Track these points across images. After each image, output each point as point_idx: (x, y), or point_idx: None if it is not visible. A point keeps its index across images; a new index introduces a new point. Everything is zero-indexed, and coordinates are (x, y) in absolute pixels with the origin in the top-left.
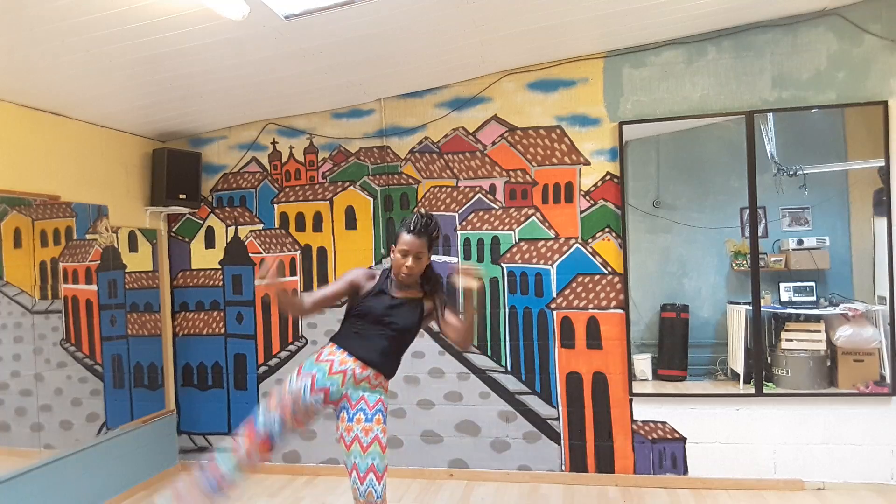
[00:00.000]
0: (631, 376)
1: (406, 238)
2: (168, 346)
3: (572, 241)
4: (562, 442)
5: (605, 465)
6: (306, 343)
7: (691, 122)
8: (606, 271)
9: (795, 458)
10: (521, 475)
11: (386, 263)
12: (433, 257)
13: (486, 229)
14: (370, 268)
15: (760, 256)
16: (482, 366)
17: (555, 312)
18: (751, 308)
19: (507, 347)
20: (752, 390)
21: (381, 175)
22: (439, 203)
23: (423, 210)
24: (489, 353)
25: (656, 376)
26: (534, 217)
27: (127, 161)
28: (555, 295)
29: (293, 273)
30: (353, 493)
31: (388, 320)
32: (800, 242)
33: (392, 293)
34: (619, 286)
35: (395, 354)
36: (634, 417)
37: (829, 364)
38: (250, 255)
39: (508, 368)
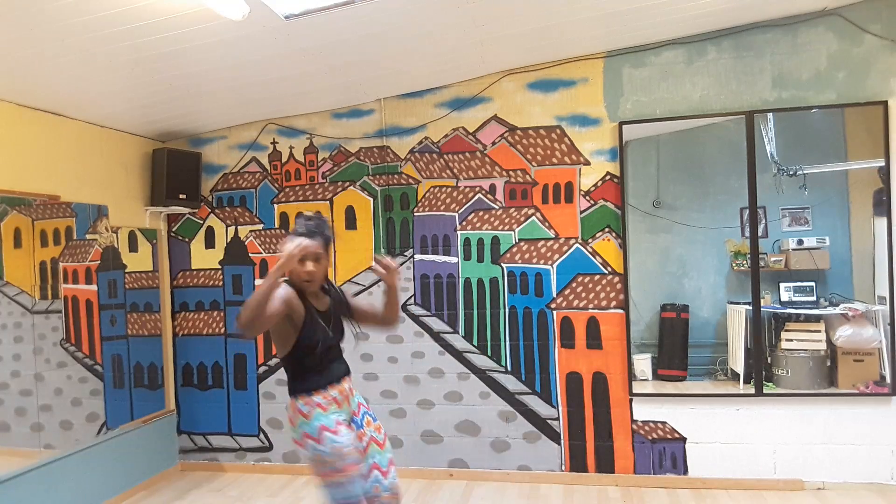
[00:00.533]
0: (631, 376)
1: (300, 241)
2: (168, 346)
3: (572, 241)
4: (562, 442)
5: (605, 465)
6: None
7: (691, 122)
8: (606, 271)
9: (795, 458)
10: (521, 475)
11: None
12: (432, 258)
13: (486, 229)
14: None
15: (760, 256)
16: (482, 366)
17: (555, 312)
18: (751, 308)
19: (507, 347)
20: (752, 390)
21: (381, 175)
22: (439, 203)
23: (308, 212)
24: (489, 353)
25: (656, 376)
26: (534, 217)
27: (127, 161)
28: (555, 295)
29: None
30: (373, 491)
31: (334, 342)
32: (800, 242)
33: (318, 309)
34: (619, 286)
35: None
36: (634, 417)
37: (829, 364)
38: (250, 255)
39: (508, 368)
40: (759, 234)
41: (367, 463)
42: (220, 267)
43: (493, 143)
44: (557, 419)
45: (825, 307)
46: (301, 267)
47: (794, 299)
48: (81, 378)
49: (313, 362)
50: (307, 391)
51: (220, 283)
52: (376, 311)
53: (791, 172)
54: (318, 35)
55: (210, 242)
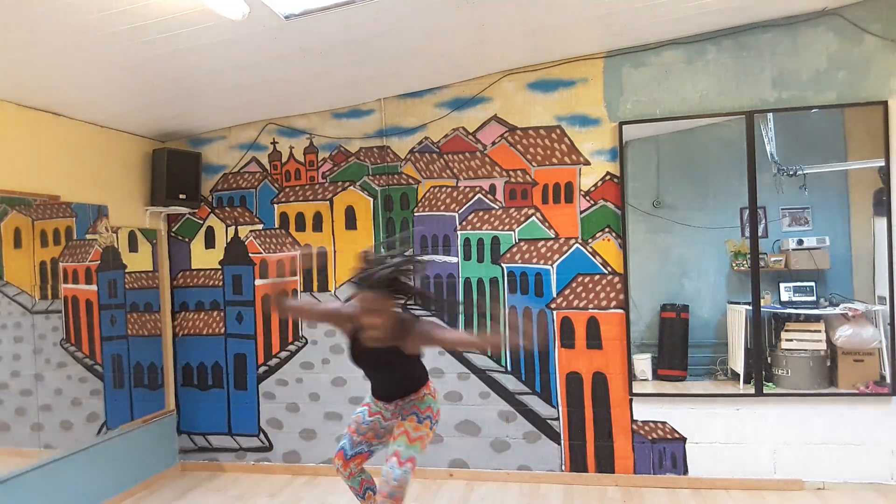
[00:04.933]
0: (631, 376)
1: (362, 293)
2: (168, 346)
3: (572, 241)
4: (562, 442)
5: (605, 465)
6: (306, 343)
7: (691, 122)
8: (606, 271)
9: (795, 458)
10: (521, 475)
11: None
12: (432, 258)
13: (486, 229)
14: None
15: (760, 256)
16: (482, 366)
17: (555, 312)
18: (751, 308)
19: (507, 347)
20: (752, 390)
21: (381, 175)
22: (439, 203)
23: (386, 246)
24: (489, 353)
25: (656, 376)
26: (534, 217)
27: (127, 161)
28: (555, 295)
29: (293, 273)
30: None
31: (383, 366)
32: (800, 242)
33: (365, 343)
34: (619, 286)
35: (407, 376)
36: (634, 417)
37: (829, 364)
38: (250, 254)
39: (508, 368)
40: (759, 234)
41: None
42: (220, 267)
43: (493, 143)
44: (557, 419)
45: (825, 307)
46: (366, 319)
47: (794, 299)
48: (81, 378)
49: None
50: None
51: (220, 283)
52: (451, 336)
53: (791, 172)
54: (318, 35)
55: (210, 242)
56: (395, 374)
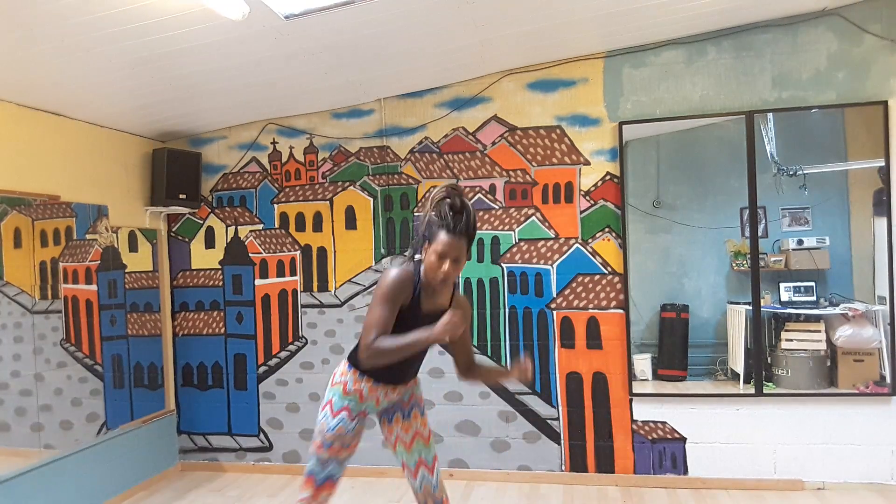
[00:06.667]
0: (631, 376)
1: (445, 239)
2: (168, 346)
3: (572, 241)
4: (562, 442)
5: (605, 465)
6: (306, 343)
7: (691, 122)
8: (606, 271)
9: (795, 458)
10: (521, 475)
11: (385, 263)
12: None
13: (486, 229)
14: (401, 265)
15: (760, 256)
16: None
17: (555, 312)
18: (751, 308)
19: (507, 347)
20: (752, 390)
21: (381, 175)
22: None
23: (457, 196)
24: (489, 353)
25: (656, 376)
26: (534, 217)
27: (127, 161)
28: (555, 295)
29: (293, 273)
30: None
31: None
32: (800, 242)
33: (422, 307)
34: (619, 286)
35: (420, 361)
36: (634, 417)
37: (829, 364)
38: (250, 255)
39: (509, 368)
40: (759, 234)
41: (406, 460)
42: (220, 267)
43: (493, 143)
44: (557, 419)
45: (825, 307)
46: (440, 264)
47: (794, 299)
48: (81, 378)
49: None
50: (361, 371)
51: (220, 283)
52: (467, 355)
53: (791, 172)
54: (318, 35)
55: (210, 242)
56: (423, 354)
